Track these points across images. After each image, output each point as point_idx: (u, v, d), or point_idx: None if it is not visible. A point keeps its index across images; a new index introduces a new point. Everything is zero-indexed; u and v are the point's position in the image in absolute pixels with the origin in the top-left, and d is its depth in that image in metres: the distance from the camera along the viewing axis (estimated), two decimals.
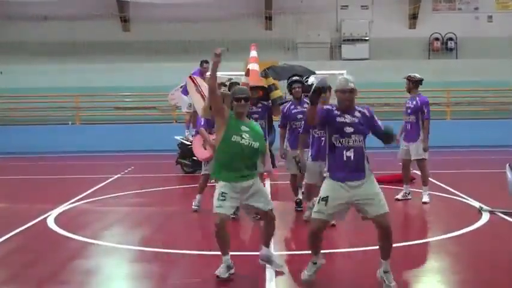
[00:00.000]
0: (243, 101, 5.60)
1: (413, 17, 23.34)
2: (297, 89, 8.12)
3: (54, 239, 7.14)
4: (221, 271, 5.42)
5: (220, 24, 22.50)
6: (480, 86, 20.05)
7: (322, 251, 5.60)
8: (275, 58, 17.67)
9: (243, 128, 5.59)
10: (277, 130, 8.80)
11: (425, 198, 9.05)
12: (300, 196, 8.51)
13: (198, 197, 8.76)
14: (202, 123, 8.76)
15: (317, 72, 11.19)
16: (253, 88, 7.95)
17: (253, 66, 8.57)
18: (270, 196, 5.94)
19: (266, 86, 8.85)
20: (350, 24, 23.06)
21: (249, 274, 5.64)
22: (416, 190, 9.55)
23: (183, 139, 13.03)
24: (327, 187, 5.10)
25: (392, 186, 10.11)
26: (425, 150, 9.08)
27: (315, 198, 6.02)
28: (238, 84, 8.96)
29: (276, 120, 8.91)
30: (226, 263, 5.46)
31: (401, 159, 9.37)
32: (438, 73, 20.18)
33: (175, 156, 13.17)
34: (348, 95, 5.05)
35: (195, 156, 11.65)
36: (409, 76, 9.14)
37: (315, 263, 5.33)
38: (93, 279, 5.69)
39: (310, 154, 7.58)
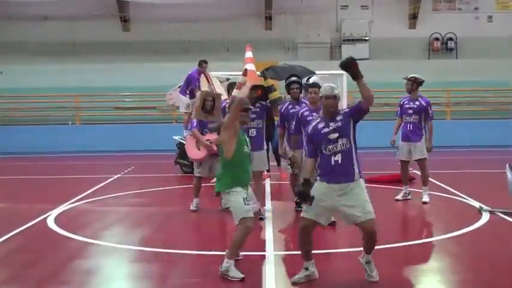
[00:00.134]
0: (248, 111, 5.84)
1: (413, 17, 23.35)
2: (295, 90, 8.16)
3: (54, 239, 7.14)
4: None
5: (220, 24, 22.50)
6: (480, 86, 20.05)
7: (322, 251, 5.62)
8: (275, 58, 17.66)
9: (244, 136, 5.81)
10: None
11: (425, 198, 9.05)
12: None
13: (195, 200, 8.76)
14: (195, 124, 8.76)
15: (317, 72, 11.18)
16: (252, 87, 7.96)
17: (250, 66, 8.61)
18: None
19: (265, 86, 8.85)
20: (350, 24, 23.06)
21: (249, 274, 5.63)
22: (416, 190, 9.55)
23: (181, 139, 13.03)
24: (314, 188, 5.21)
25: (392, 186, 10.12)
26: (429, 150, 9.08)
27: None
28: (236, 84, 8.98)
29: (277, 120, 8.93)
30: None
31: (400, 159, 9.35)
32: (438, 73, 20.17)
33: (174, 156, 13.18)
34: (331, 101, 5.26)
35: None
36: (414, 77, 9.13)
37: (307, 269, 5.36)
38: (93, 279, 5.69)
39: (304, 154, 7.63)
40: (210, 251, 6.05)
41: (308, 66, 12.64)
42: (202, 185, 8.94)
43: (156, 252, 6.42)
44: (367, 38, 22.86)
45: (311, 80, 7.84)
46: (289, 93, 8.31)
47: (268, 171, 10.37)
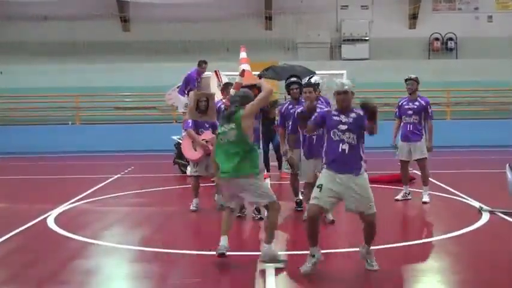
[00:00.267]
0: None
1: (413, 17, 23.35)
2: (295, 90, 8.21)
3: (54, 239, 7.14)
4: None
5: (220, 24, 22.50)
6: (480, 86, 20.06)
7: (322, 251, 5.62)
8: (275, 58, 17.67)
9: None
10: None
11: (425, 198, 9.05)
12: (300, 196, 8.52)
13: (195, 200, 8.77)
14: (190, 124, 8.76)
15: (317, 72, 11.19)
16: (248, 87, 7.99)
17: (246, 67, 8.67)
18: None
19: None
20: (350, 24, 23.07)
21: (248, 274, 5.64)
22: (416, 190, 9.55)
23: (179, 139, 13.03)
24: (322, 176, 5.53)
25: (392, 186, 10.12)
26: (430, 150, 9.09)
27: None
28: (232, 85, 9.01)
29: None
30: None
31: (400, 159, 9.35)
32: (438, 73, 20.20)
33: (172, 156, 13.18)
34: (342, 96, 5.52)
35: None
36: (416, 77, 9.16)
37: (313, 256, 5.53)
38: (93, 279, 5.69)
39: (302, 153, 7.68)
40: (210, 250, 6.04)
41: (308, 66, 12.69)
42: (202, 185, 8.94)
43: (156, 252, 6.42)
44: (367, 38, 22.87)
45: (312, 80, 7.91)
46: (289, 94, 8.35)
47: (268, 171, 10.36)
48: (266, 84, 6.50)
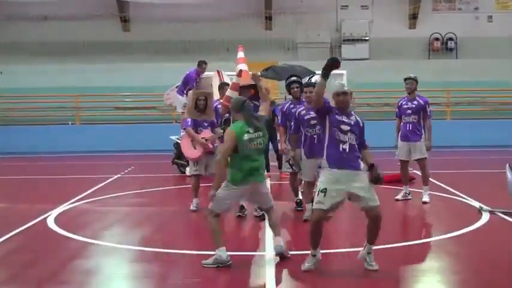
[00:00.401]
0: None
1: (413, 17, 23.35)
2: (296, 89, 8.25)
3: (54, 239, 7.14)
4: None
5: (220, 24, 22.51)
6: (480, 86, 20.06)
7: (322, 251, 5.64)
8: (275, 58, 17.69)
9: None
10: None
11: (426, 198, 9.05)
12: (300, 196, 8.53)
13: (195, 200, 8.77)
14: (189, 123, 8.78)
15: (317, 72, 11.19)
16: (245, 87, 8.01)
17: (243, 67, 8.69)
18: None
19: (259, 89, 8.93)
20: (350, 24, 23.07)
21: (249, 274, 5.64)
22: (416, 190, 9.55)
23: (178, 139, 13.04)
24: (325, 180, 5.53)
25: (392, 186, 10.11)
26: (428, 149, 9.08)
27: (314, 191, 6.29)
28: (228, 85, 9.05)
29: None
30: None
31: (400, 159, 9.35)
32: (438, 73, 20.20)
33: (171, 156, 13.18)
34: (342, 96, 5.59)
35: None
36: (415, 77, 9.17)
37: (314, 256, 5.64)
38: (93, 279, 5.69)
39: (303, 153, 7.70)
40: (210, 251, 6.04)
41: (308, 66, 12.60)
42: (202, 185, 8.94)
43: (156, 252, 6.42)
44: (367, 38, 22.87)
45: (312, 80, 7.94)
46: (290, 93, 8.38)
47: (268, 171, 10.36)
48: (233, 93, 6.79)
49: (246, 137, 5.89)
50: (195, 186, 8.78)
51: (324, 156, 5.60)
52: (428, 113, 9.08)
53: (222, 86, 9.41)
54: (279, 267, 5.75)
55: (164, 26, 22.24)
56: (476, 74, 20.49)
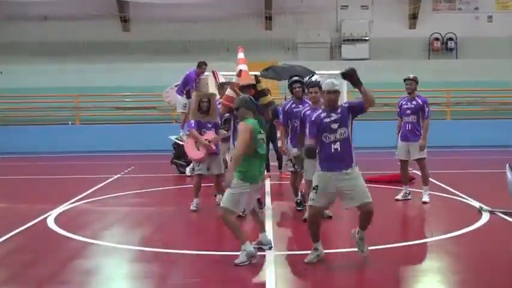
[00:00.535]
0: None
1: (413, 17, 23.37)
2: (297, 89, 8.31)
3: (54, 239, 7.14)
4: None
5: (220, 24, 22.52)
6: (480, 86, 20.06)
7: (322, 251, 5.64)
8: (275, 58, 17.72)
9: None
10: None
11: (425, 198, 9.05)
12: (300, 196, 8.53)
13: (195, 200, 8.79)
14: (193, 125, 8.81)
15: (317, 72, 11.19)
16: (245, 87, 8.04)
17: (243, 67, 8.77)
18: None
19: (258, 89, 9.01)
20: (350, 24, 23.09)
21: (249, 274, 5.64)
22: (416, 190, 9.55)
23: (177, 139, 13.04)
24: (317, 178, 5.79)
25: (392, 186, 10.12)
26: (422, 148, 9.07)
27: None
28: (228, 84, 9.09)
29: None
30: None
31: (399, 159, 9.35)
32: (438, 73, 20.21)
33: (171, 156, 13.19)
34: (333, 95, 5.79)
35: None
36: (415, 76, 9.18)
37: (316, 249, 5.83)
38: (93, 279, 5.69)
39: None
40: (210, 251, 6.05)
41: (308, 66, 12.68)
42: (202, 185, 8.95)
43: (156, 252, 6.42)
44: (367, 38, 22.89)
45: (313, 79, 7.91)
46: (292, 93, 8.42)
47: (268, 171, 10.38)
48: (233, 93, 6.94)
49: (259, 136, 6.08)
50: (197, 186, 8.80)
51: (317, 160, 5.81)
52: (426, 113, 9.07)
53: (222, 86, 9.44)
54: (279, 267, 5.75)
55: (164, 26, 22.25)
56: (476, 74, 20.49)
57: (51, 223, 7.92)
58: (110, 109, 20.22)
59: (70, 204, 9.36)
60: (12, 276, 5.75)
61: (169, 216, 8.70)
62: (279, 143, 9.04)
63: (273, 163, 12.33)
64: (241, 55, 9.33)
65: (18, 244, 7.05)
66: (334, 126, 5.70)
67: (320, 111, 5.85)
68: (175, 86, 13.67)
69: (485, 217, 7.87)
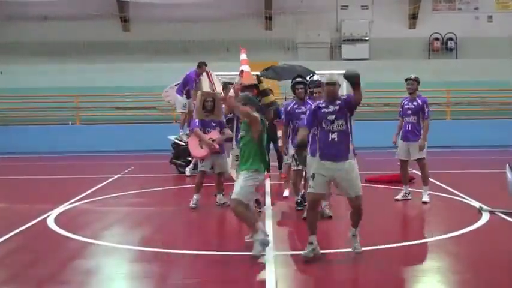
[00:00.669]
0: None
1: (413, 17, 23.36)
2: (300, 90, 8.41)
3: (54, 239, 7.14)
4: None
5: (220, 24, 22.51)
6: (480, 86, 20.06)
7: (322, 251, 5.64)
8: (275, 58, 17.72)
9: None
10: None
11: (425, 198, 9.05)
12: (300, 196, 8.53)
13: (195, 196, 8.83)
14: (197, 123, 8.86)
15: (317, 72, 11.20)
16: (247, 87, 8.08)
17: (245, 68, 8.87)
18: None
19: (260, 89, 9.08)
20: (350, 24, 23.08)
21: (249, 274, 5.64)
22: (416, 190, 9.54)
23: (176, 139, 13.04)
24: (314, 166, 6.00)
25: (392, 186, 10.12)
26: (421, 148, 9.07)
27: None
28: (232, 84, 9.14)
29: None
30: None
31: (400, 159, 9.36)
32: (438, 73, 20.20)
33: (170, 156, 13.19)
34: (331, 87, 5.96)
35: (189, 156, 11.74)
36: (417, 77, 9.18)
37: (311, 243, 5.90)
38: (93, 279, 5.69)
39: (308, 151, 7.71)
40: (210, 251, 6.05)
41: (308, 66, 12.69)
42: (204, 184, 8.96)
43: (156, 252, 6.42)
44: (367, 38, 22.88)
45: (314, 77, 8.01)
46: (294, 94, 8.46)
47: (268, 171, 10.33)
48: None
49: (264, 132, 6.31)
50: (199, 183, 8.85)
51: (316, 146, 6.00)
52: (426, 113, 9.07)
53: (226, 86, 9.53)
54: (279, 267, 5.75)
55: (164, 26, 22.25)
56: (476, 74, 20.48)
57: (51, 223, 7.92)
58: (110, 109, 20.21)
59: (70, 204, 9.36)
60: (12, 276, 5.75)
61: (169, 216, 8.70)
62: (280, 142, 9.07)
63: (273, 163, 12.31)
64: (243, 56, 9.44)
65: (18, 244, 7.06)
66: (331, 117, 5.88)
67: (320, 102, 6.07)
68: (175, 85, 13.68)
69: (485, 217, 7.87)
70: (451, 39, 22.93)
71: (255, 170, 6.13)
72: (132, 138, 18.74)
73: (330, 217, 7.79)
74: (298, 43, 22.82)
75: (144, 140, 18.41)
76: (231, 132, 8.78)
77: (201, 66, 12.83)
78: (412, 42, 22.84)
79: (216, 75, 12.50)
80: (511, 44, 22.12)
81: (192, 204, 8.76)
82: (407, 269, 5.90)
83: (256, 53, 17.73)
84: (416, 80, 9.17)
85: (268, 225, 7.43)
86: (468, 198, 9.25)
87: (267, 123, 7.27)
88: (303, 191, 8.41)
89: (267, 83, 9.61)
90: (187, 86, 13.12)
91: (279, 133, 9.97)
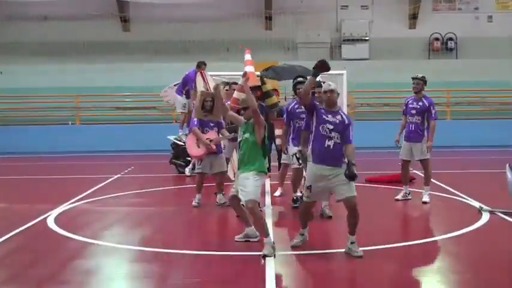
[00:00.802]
0: None
1: (413, 17, 23.35)
2: (301, 90, 8.30)
3: (54, 239, 7.14)
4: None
5: (220, 24, 22.50)
6: (480, 86, 20.05)
7: (321, 251, 5.65)
8: (275, 58, 17.68)
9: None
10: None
11: (426, 198, 9.04)
12: (299, 193, 8.53)
13: (197, 196, 8.92)
14: (195, 123, 8.88)
15: None
16: (251, 88, 8.07)
17: (249, 69, 8.87)
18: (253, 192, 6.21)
19: (263, 90, 9.09)
20: (350, 24, 23.06)
21: (249, 274, 5.64)
22: (416, 190, 9.55)
23: (176, 139, 13.04)
24: (310, 176, 6.13)
25: (392, 186, 10.12)
26: (428, 150, 9.05)
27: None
28: (229, 84, 9.12)
29: None
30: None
31: (402, 159, 9.34)
32: (438, 73, 20.15)
33: (169, 156, 13.19)
34: (329, 94, 6.12)
35: (188, 157, 11.74)
36: (423, 76, 9.17)
37: (302, 234, 6.34)
38: (93, 279, 5.69)
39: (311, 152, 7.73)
40: (210, 251, 6.05)
41: (308, 66, 12.61)
42: (205, 184, 8.97)
43: (156, 252, 6.42)
44: (367, 38, 22.86)
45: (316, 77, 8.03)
46: (296, 94, 8.50)
47: (269, 171, 10.33)
48: (240, 94, 7.06)
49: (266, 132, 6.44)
50: (199, 184, 8.89)
51: (309, 151, 6.15)
52: (433, 115, 9.04)
53: (230, 86, 9.53)
54: (279, 267, 5.75)
55: (164, 26, 22.23)
56: (476, 74, 20.47)
57: (51, 223, 7.92)
58: (110, 109, 20.21)
59: (70, 204, 9.36)
60: (12, 276, 5.75)
61: (169, 216, 8.70)
62: (278, 141, 9.08)
63: (274, 163, 12.32)
64: (248, 56, 9.41)
65: (18, 244, 7.06)
66: (330, 127, 6.03)
67: (322, 106, 6.19)
68: (174, 85, 13.68)
69: (485, 217, 7.87)
70: (451, 39, 22.91)
71: (261, 171, 6.26)
72: (132, 138, 18.74)
73: (330, 217, 7.80)
74: (298, 43, 22.81)
75: (144, 140, 18.41)
76: (228, 133, 8.78)
77: (201, 65, 12.81)
78: (412, 42, 22.82)
79: (216, 75, 12.50)
80: (511, 44, 22.10)
81: (194, 203, 8.87)
82: (407, 269, 5.89)
83: (256, 53, 17.60)
84: (423, 80, 9.13)
85: (268, 225, 7.42)
86: (468, 198, 9.25)
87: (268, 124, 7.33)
88: (301, 191, 8.41)
89: (270, 84, 9.60)
90: (187, 86, 13.12)
91: (277, 131, 10.00)
